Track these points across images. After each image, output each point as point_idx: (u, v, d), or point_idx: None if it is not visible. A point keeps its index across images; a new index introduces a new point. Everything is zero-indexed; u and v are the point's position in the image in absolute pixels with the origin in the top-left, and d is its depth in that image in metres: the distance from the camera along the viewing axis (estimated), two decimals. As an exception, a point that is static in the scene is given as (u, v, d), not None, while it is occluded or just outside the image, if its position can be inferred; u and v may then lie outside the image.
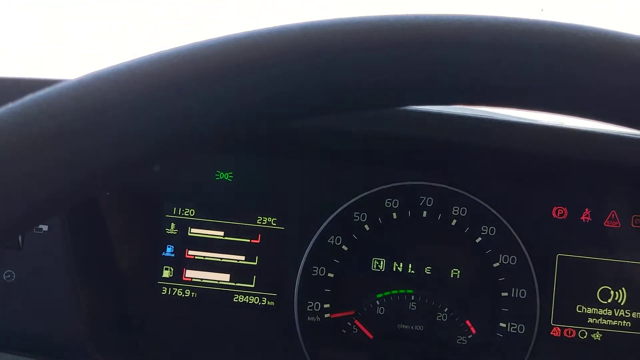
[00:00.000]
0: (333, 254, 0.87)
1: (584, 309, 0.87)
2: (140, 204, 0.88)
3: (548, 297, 0.87)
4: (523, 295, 0.87)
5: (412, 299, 0.87)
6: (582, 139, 0.78)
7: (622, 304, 0.87)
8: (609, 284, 0.87)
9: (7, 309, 0.75)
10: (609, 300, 0.88)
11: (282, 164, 0.89)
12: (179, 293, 0.87)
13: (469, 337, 0.87)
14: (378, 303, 0.87)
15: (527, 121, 0.78)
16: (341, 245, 0.87)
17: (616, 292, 0.88)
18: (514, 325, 0.86)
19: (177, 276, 0.87)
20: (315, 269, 0.87)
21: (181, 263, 0.87)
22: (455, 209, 0.87)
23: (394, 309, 0.87)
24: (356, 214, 0.87)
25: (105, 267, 0.84)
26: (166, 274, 0.87)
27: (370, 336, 0.87)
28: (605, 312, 0.87)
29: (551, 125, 0.78)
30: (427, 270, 0.88)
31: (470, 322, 0.87)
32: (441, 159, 0.86)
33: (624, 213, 0.88)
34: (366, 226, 0.87)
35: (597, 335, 0.87)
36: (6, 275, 0.75)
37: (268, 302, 0.87)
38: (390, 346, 0.87)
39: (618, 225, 0.88)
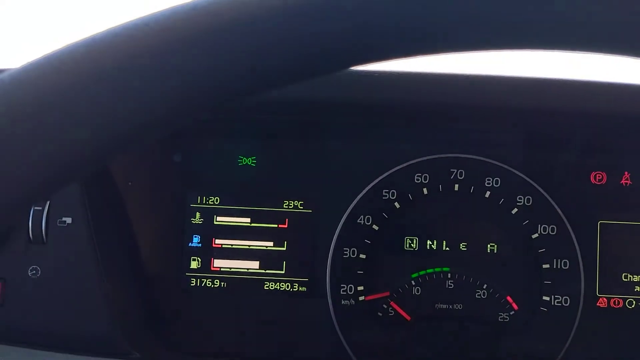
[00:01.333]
0: (364, 235, 0.84)
1: (630, 277, 0.83)
2: (164, 194, 0.86)
3: (592, 266, 0.83)
4: (565, 266, 0.83)
5: (449, 277, 0.84)
6: (616, 93, 0.74)
7: (670, 270, 0.83)
8: (656, 250, 0.83)
9: (35, 305, 0.73)
10: (657, 267, 0.83)
11: (305, 145, 0.86)
12: (208, 283, 0.84)
13: (511, 313, 0.83)
14: (413, 283, 0.84)
15: (557, 78, 0.74)
16: (371, 224, 0.84)
17: (664, 258, 0.83)
18: (558, 298, 0.83)
19: (205, 266, 0.85)
20: (347, 250, 0.84)
21: (209, 253, 0.85)
22: (488, 180, 0.84)
23: (430, 288, 0.84)
24: (385, 192, 0.84)
25: (132, 259, 0.82)
26: (194, 264, 0.85)
27: (408, 317, 0.84)
28: (653, 279, 0.83)
29: (584, 81, 0.74)
30: (463, 246, 0.84)
31: (511, 297, 0.83)
32: (470, 128, 0.83)
33: (667, 174, 0.84)
34: (396, 204, 0.84)
35: (647, 304, 0.83)
36: (32, 271, 0.73)
37: (300, 288, 0.84)
38: (429, 327, 0.84)
39: (661, 186, 0.84)
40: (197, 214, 0.85)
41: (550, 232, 0.83)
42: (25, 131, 0.30)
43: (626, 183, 0.84)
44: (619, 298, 0.83)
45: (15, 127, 0.30)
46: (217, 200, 0.85)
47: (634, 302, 0.83)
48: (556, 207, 0.83)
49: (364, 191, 0.84)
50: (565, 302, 0.83)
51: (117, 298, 0.76)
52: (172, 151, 0.85)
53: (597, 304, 0.83)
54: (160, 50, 0.32)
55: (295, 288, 0.84)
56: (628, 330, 0.83)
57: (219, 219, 0.85)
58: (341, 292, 0.83)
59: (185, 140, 0.86)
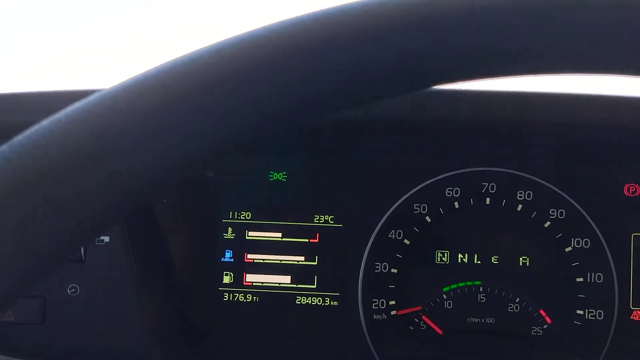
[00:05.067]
0: (395, 249, 0.84)
1: (665, 290, 0.82)
2: (197, 210, 0.87)
3: (626, 279, 0.82)
4: (599, 280, 0.82)
5: (481, 290, 0.84)
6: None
7: None
8: (691, 262, 0.82)
9: (74, 323, 0.75)
10: (693, 279, 0.82)
11: (335, 159, 0.87)
12: (241, 298, 0.85)
13: (545, 327, 0.83)
14: (445, 297, 0.84)
15: (589, 93, 0.74)
16: (403, 239, 0.84)
17: (699, 270, 0.82)
18: (592, 312, 0.82)
19: (238, 281, 0.85)
20: (378, 265, 0.84)
21: (241, 267, 0.86)
22: (520, 193, 0.84)
23: (462, 302, 0.84)
24: (416, 206, 0.84)
25: (167, 275, 0.83)
26: (226, 279, 0.86)
27: (440, 332, 0.84)
28: (689, 292, 0.82)
29: (616, 96, 0.73)
30: (495, 259, 0.84)
31: (544, 311, 0.83)
32: (501, 142, 0.83)
33: (702, 185, 0.83)
34: (427, 218, 0.84)
35: (682, 318, 0.82)
36: (71, 289, 0.75)
37: (331, 302, 0.85)
38: (461, 341, 0.84)
39: (696, 199, 0.83)
40: (229, 229, 0.86)
41: (583, 246, 0.82)
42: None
43: (660, 195, 0.83)
44: (654, 311, 0.82)
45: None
46: (248, 216, 0.86)
47: (669, 315, 0.82)
48: (589, 220, 0.82)
49: (395, 205, 0.85)
50: (599, 316, 0.82)
51: (154, 313, 0.77)
52: (205, 168, 0.86)
53: (632, 317, 0.82)
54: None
55: (327, 302, 0.85)
56: (663, 344, 0.82)
57: (250, 233, 0.86)
58: (373, 307, 0.84)
59: (217, 156, 0.87)
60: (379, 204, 0.85)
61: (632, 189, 0.83)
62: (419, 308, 0.84)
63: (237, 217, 0.86)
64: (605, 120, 0.76)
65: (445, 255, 0.85)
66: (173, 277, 0.84)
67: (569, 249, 0.83)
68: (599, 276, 0.82)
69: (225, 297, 0.85)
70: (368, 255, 0.84)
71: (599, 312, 0.82)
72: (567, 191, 0.83)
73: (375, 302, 0.84)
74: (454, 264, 0.84)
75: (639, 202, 0.83)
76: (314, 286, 0.85)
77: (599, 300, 0.82)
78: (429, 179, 0.85)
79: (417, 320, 0.84)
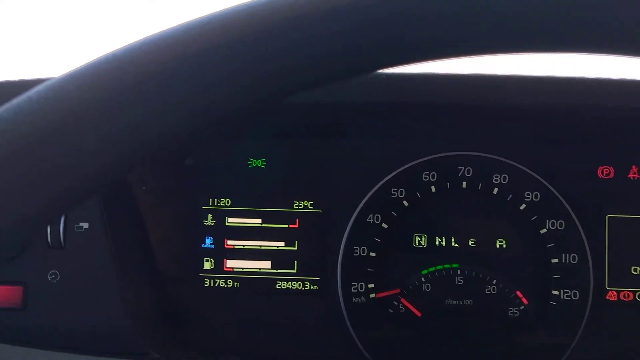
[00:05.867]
0: (373, 233, 0.85)
1: (639, 270, 0.84)
2: (177, 197, 0.88)
3: (600, 260, 0.84)
4: (574, 261, 0.83)
5: (458, 273, 0.85)
6: (622, 89, 0.74)
7: (680, 262, 0.84)
8: (665, 242, 0.84)
9: (55, 309, 0.75)
10: (666, 259, 0.84)
11: (314, 145, 0.87)
12: (222, 284, 0.86)
13: (521, 308, 0.84)
14: (423, 280, 0.85)
15: (564, 76, 0.75)
16: (381, 223, 0.85)
17: (673, 251, 0.84)
18: (567, 293, 0.83)
19: (218, 267, 0.86)
20: (357, 249, 0.85)
21: (221, 254, 0.87)
22: (496, 177, 0.85)
23: (440, 284, 0.85)
24: (394, 190, 0.86)
25: (148, 262, 0.84)
26: (207, 265, 0.87)
27: (418, 314, 0.85)
28: (663, 271, 0.84)
29: (589, 78, 0.74)
30: (472, 242, 0.85)
31: (521, 292, 0.84)
32: (477, 126, 0.84)
33: (675, 167, 0.84)
34: (405, 202, 0.85)
35: (657, 297, 0.84)
36: (51, 275, 0.75)
37: (311, 287, 0.86)
38: (440, 323, 0.85)
39: (669, 180, 0.84)
40: (209, 216, 0.87)
41: (558, 227, 0.84)
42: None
43: (634, 177, 0.84)
44: (629, 291, 0.84)
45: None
46: (228, 202, 0.87)
47: (643, 294, 0.84)
48: (564, 202, 0.84)
49: (373, 190, 0.86)
50: (575, 296, 0.83)
51: (134, 300, 0.77)
52: (184, 155, 0.87)
53: (607, 297, 0.84)
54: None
55: (306, 287, 0.86)
56: (638, 323, 0.84)
57: (230, 220, 0.87)
58: (352, 290, 0.85)
59: (197, 144, 0.87)
60: (357, 189, 0.86)
61: (606, 171, 0.85)
62: (398, 291, 0.85)
63: (217, 203, 0.87)
64: (580, 102, 0.77)
65: (423, 238, 0.86)
66: (154, 264, 0.85)
67: (544, 231, 0.84)
68: (573, 257, 0.83)
69: (206, 283, 0.86)
70: (347, 239, 0.85)
71: (574, 293, 0.83)
72: (542, 174, 0.84)
73: (355, 285, 0.85)
74: (431, 247, 0.86)
75: (613, 184, 0.84)
76: (294, 271, 0.86)
77: (574, 281, 0.83)
78: (406, 164, 0.86)
79: (396, 303, 0.85)
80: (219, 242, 0.87)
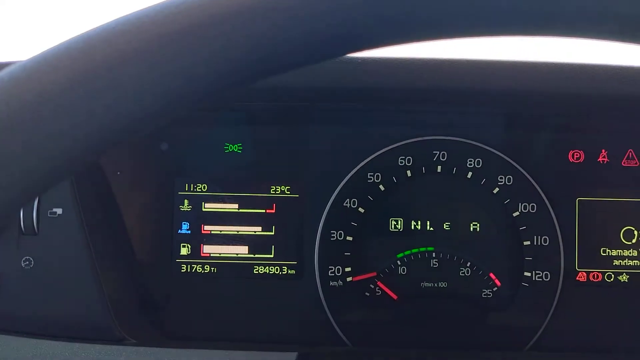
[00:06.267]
0: (350, 217, 0.86)
1: (608, 252, 0.86)
2: (152, 183, 0.87)
3: (571, 242, 0.86)
4: (546, 243, 0.85)
5: (434, 256, 0.86)
6: (593, 74, 0.76)
7: (647, 243, 0.86)
8: (632, 224, 0.86)
9: (29, 295, 0.74)
10: (634, 241, 0.86)
11: (290, 131, 0.88)
12: (199, 269, 0.86)
13: (494, 289, 0.86)
14: (399, 263, 0.86)
15: (536, 61, 0.76)
16: (357, 207, 0.86)
17: (640, 232, 0.86)
18: (539, 274, 0.85)
19: (195, 252, 0.86)
20: (334, 233, 0.86)
21: (198, 239, 0.86)
22: (470, 161, 0.86)
23: (415, 267, 0.86)
24: (370, 175, 0.86)
25: (123, 247, 0.83)
26: (184, 251, 0.86)
27: (394, 296, 0.86)
28: (630, 252, 0.86)
29: (560, 63, 0.76)
30: (446, 226, 0.87)
31: (494, 274, 0.86)
32: (451, 110, 0.85)
33: (642, 151, 0.86)
34: (381, 186, 0.86)
35: (624, 277, 0.86)
36: (25, 262, 0.74)
37: (289, 271, 0.86)
38: (415, 305, 0.86)
39: (637, 163, 0.86)
40: (186, 202, 0.87)
41: (530, 210, 0.85)
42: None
43: (603, 161, 0.86)
44: (598, 272, 0.86)
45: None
46: (204, 188, 0.87)
47: (612, 275, 0.86)
48: (536, 185, 0.85)
49: (349, 175, 0.86)
50: (546, 277, 0.85)
51: (110, 285, 0.77)
52: (159, 140, 0.86)
53: (577, 279, 0.86)
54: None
55: (284, 271, 0.86)
56: (607, 303, 0.86)
57: (207, 205, 0.87)
58: (329, 274, 0.86)
59: (172, 129, 0.87)
60: (334, 174, 0.87)
61: (577, 155, 0.87)
62: (374, 274, 0.86)
63: (193, 189, 0.87)
64: (551, 87, 0.78)
65: (399, 222, 0.87)
66: (129, 250, 0.84)
67: (516, 214, 0.86)
68: (545, 239, 0.85)
69: (183, 269, 0.86)
70: (324, 224, 0.86)
71: (546, 274, 0.85)
72: (515, 158, 0.86)
73: (332, 269, 0.86)
74: (407, 231, 0.87)
75: (583, 168, 0.86)
76: (272, 256, 0.86)
77: (546, 263, 0.85)
78: (382, 149, 0.86)
79: (372, 286, 0.86)
80: (195, 227, 0.86)
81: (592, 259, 0.86)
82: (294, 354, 0.68)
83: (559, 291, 0.85)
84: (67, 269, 0.75)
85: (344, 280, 0.86)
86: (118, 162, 0.83)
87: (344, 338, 0.85)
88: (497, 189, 0.86)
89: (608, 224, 0.86)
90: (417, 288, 0.86)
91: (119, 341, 0.73)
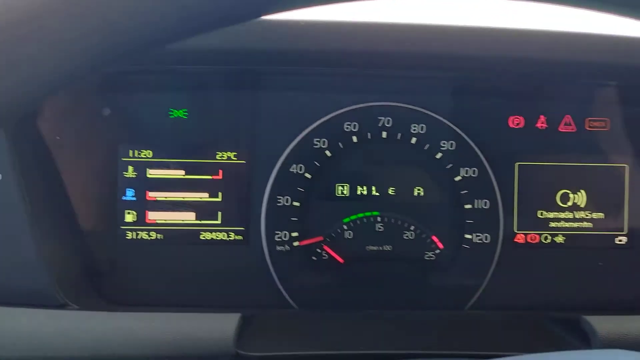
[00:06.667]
0: (296, 183, 0.87)
1: (545, 214, 0.90)
2: (95, 149, 0.85)
3: (510, 205, 0.89)
4: (486, 206, 0.88)
5: (379, 220, 0.88)
6: (532, 40, 0.78)
7: (582, 206, 0.90)
8: (568, 188, 0.90)
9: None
10: (569, 204, 0.90)
11: (236, 96, 0.87)
12: (144, 236, 0.86)
13: (437, 252, 0.89)
14: (345, 227, 0.88)
15: (477, 25, 0.77)
16: (304, 173, 0.87)
17: (575, 195, 0.90)
18: (479, 236, 0.88)
19: (141, 219, 0.86)
20: (280, 199, 0.86)
21: (143, 206, 0.86)
22: (414, 127, 0.87)
23: (361, 231, 0.88)
24: (316, 141, 0.87)
25: (66, 214, 0.82)
26: (129, 218, 0.86)
27: (341, 260, 0.88)
28: (566, 215, 0.90)
29: (501, 28, 0.77)
30: (391, 191, 0.88)
31: (436, 237, 0.89)
32: (395, 76, 0.86)
33: (578, 117, 0.89)
34: (327, 152, 0.87)
35: (560, 239, 0.90)
36: (-37, 228, 0.72)
37: (236, 237, 0.87)
38: (361, 268, 0.88)
39: (573, 129, 0.89)
40: (130, 168, 0.85)
41: (471, 175, 0.88)
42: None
43: (542, 126, 0.89)
44: (536, 234, 0.90)
45: None
46: (149, 154, 0.86)
47: (549, 237, 0.90)
48: (477, 150, 0.88)
49: (296, 141, 0.87)
50: (486, 239, 0.88)
51: (52, 252, 0.76)
52: (101, 105, 0.84)
53: (515, 240, 0.89)
54: None
55: (231, 237, 0.87)
56: (543, 263, 0.90)
57: (151, 172, 0.86)
58: (276, 239, 0.86)
59: (114, 94, 0.85)
60: (280, 140, 0.87)
61: (517, 120, 0.89)
62: (321, 239, 0.88)
63: (138, 155, 0.86)
64: (493, 53, 0.80)
65: (345, 188, 0.88)
66: (72, 217, 0.83)
67: (458, 178, 0.88)
68: (485, 202, 0.88)
69: (128, 236, 0.85)
70: (271, 189, 0.86)
71: (486, 236, 0.88)
72: (457, 124, 0.88)
73: (278, 234, 0.87)
74: (353, 196, 0.88)
75: (523, 133, 0.89)
76: (218, 222, 0.87)
77: (486, 225, 0.88)
78: (328, 115, 0.87)
79: (319, 251, 0.88)
80: (140, 194, 0.86)
81: (530, 222, 0.90)
82: (237, 315, 0.68)
83: (497, 252, 0.89)
84: (8, 235, 0.73)
85: (291, 245, 0.87)
86: (58, 127, 0.81)
87: (291, 301, 0.87)
88: (440, 154, 0.88)
89: (545, 187, 0.90)
90: (363, 251, 0.88)
91: (61, 307, 0.72)
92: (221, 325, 0.65)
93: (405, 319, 0.82)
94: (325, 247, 0.88)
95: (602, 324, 0.69)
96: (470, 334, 0.77)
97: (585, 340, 0.70)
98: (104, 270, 0.85)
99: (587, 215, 0.90)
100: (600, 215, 0.90)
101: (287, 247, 0.87)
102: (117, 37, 0.36)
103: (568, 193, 0.90)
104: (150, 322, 0.64)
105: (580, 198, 0.90)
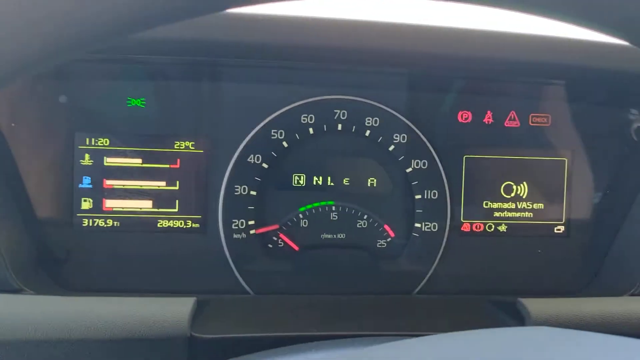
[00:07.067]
0: (254, 172, 0.89)
1: (490, 205, 0.95)
2: (51, 136, 0.85)
3: (457, 196, 0.93)
4: (435, 196, 0.92)
5: (333, 209, 0.91)
6: (482, 40, 0.82)
7: (523, 197, 0.95)
8: (512, 180, 0.95)
9: None
10: (512, 195, 0.95)
11: (195, 86, 0.88)
12: (101, 223, 0.86)
13: (388, 240, 0.93)
14: (301, 216, 0.91)
15: (431, 25, 0.80)
16: (261, 163, 0.89)
17: (518, 187, 0.95)
18: (428, 225, 0.93)
19: (97, 207, 0.86)
20: (238, 188, 0.88)
21: (100, 194, 0.86)
22: (368, 120, 0.91)
23: (316, 220, 0.91)
24: (274, 132, 0.89)
25: (21, 201, 0.82)
26: (85, 205, 0.86)
27: (296, 248, 0.91)
28: (509, 205, 0.95)
29: (455, 28, 0.81)
30: (346, 181, 0.91)
31: (388, 226, 0.93)
32: (351, 70, 0.88)
33: (523, 113, 0.94)
34: (284, 143, 0.89)
35: (503, 227, 0.95)
36: None
37: (193, 225, 0.88)
38: (315, 255, 0.91)
39: (517, 124, 0.94)
40: (87, 156, 0.86)
41: (422, 167, 0.92)
42: None
43: (488, 121, 0.94)
44: (481, 223, 0.95)
45: None
46: (106, 142, 0.86)
47: (493, 226, 0.95)
48: (427, 143, 0.92)
49: (254, 131, 0.88)
50: (434, 228, 0.93)
51: (8, 238, 0.76)
52: (58, 93, 0.84)
53: (462, 229, 0.94)
54: None
55: (188, 225, 0.88)
56: (487, 250, 0.95)
57: (109, 160, 0.86)
58: (233, 227, 0.88)
59: (71, 82, 0.85)
60: (238, 130, 0.88)
61: (465, 115, 0.93)
62: (277, 227, 0.90)
63: (95, 143, 0.86)
64: (444, 51, 0.83)
65: (302, 178, 0.91)
66: (28, 204, 0.83)
67: (409, 170, 0.92)
68: (434, 193, 0.92)
69: (85, 223, 0.86)
70: (228, 179, 0.88)
71: (434, 225, 0.93)
72: (409, 117, 0.91)
73: (235, 222, 0.89)
74: (309, 186, 0.91)
75: (471, 128, 0.93)
76: (176, 210, 0.88)
77: (434, 215, 0.93)
78: (285, 107, 0.89)
79: (275, 238, 0.90)
80: (97, 182, 0.86)
81: (476, 211, 0.94)
82: (192, 299, 0.70)
83: (444, 240, 0.93)
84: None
85: (247, 233, 0.89)
86: (14, 114, 0.81)
87: (247, 287, 0.89)
88: (392, 147, 0.91)
89: (491, 179, 0.95)
90: (317, 239, 0.91)
91: (16, 292, 0.73)
92: (176, 309, 0.67)
93: (355, 303, 0.85)
94: (281, 235, 0.90)
95: (535, 305, 0.74)
96: (415, 317, 0.81)
97: (521, 321, 0.76)
98: (60, 257, 0.85)
99: (528, 206, 0.96)
100: (541, 205, 0.96)
101: (244, 235, 0.89)
102: (71, 27, 0.36)
103: (511, 185, 0.95)
104: (105, 306, 0.65)
105: (523, 189, 0.95)
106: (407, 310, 0.85)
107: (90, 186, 0.86)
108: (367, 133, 0.91)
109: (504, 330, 0.47)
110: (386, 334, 0.71)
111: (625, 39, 0.41)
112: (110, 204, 0.86)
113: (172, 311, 0.66)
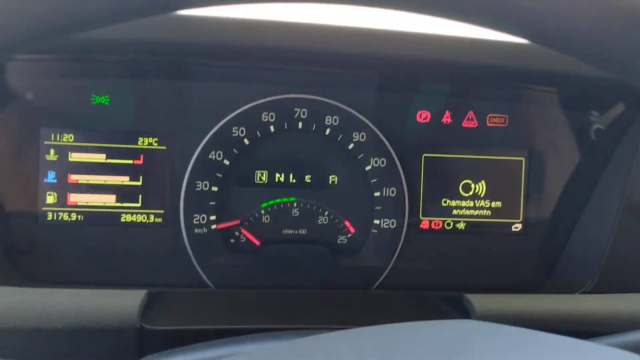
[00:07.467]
0: (215, 169, 0.91)
1: (448, 202, 0.97)
2: (17, 132, 0.87)
3: (416, 194, 0.96)
4: (393, 194, 0.95)
5: (295, 205, 0.94)
6: (440, 44, 0.84)
7: (481, 195, 0.98)
8: (470, 178, 0.97)
9: None
10: (470, 193, 0.97)
11: (158, 84, 0.90)
12: (65, 217, 0.88)
13: (348, 236, 0.95)
14: (263, 212, 0.93)
15: (390, 29, 0.83)
16: (223, 159, 0.91)
17: (476, 185, 0.97)
18: (387, 221, 0.95)
19: (62, 201, 0.88)
20: (199, 183, 0.91)
21: (64, 188, 0.88)
22: (328, 118, 0.93)
23: (278, 216, 0.93)
24: (235, 129, 0.91)
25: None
26: (50, 199, 0.88)
27: (257, 243, 0.93)
28: (467, 203, 0.97)
29: (412, 32, 0.83)
30: (307, 178, 0.94)
31: (349, 222, 0.95)
32: (312, 71, 0.90)
33: (480, 113, 0.97)
34: (246, 140, 0.91)
35: (462, 225, 0.97)
36: None
37: (155, 219, 0.90)
38: (277, 250, 0.93)
39: (475, 124, 0.97)
40: (52, 151, 0.88)
41: (381, 165, 0.94)
42: None
43: (447, 121, 0.96)
44: (439, 220, 0.97)
45: None
46: (71, 138, 0.88)
47: (451, 223, 0.97)
48: (386, 142, 0.94)
49: (215, 128, 0.90)
50: (393, 225, 0.95)
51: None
52: (24, 89, 0.86)
53: (420, 226, 0.96)
54: None
55: (151, 219, 0.90)
56: (445, 247, 0.97)
57: (73, 155, 0.88)
58: (194, 222, 0.91)
59: (37, 79, 0.87)
60: (200, 127, 0.90)
61: (424, 115, 0.95)
62: (239, 222, 0.92)
63: (60, 139, 0.88)
64: (403, 53, 0.86)
65: (264, 174, 0.93)
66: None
67: (368, 167, 0.94)
68: (392, 191, 0.94)
69: (49, 217, 0.88)
70: (190, 174, 0.90)
71: (392, 222, 0.95)
72: (368, 117, 0.93)
73: (197, 217, 0.91)
74: (271, 182, 0.93)
75: (429, 127, 0.96)
76: (139, 205, 0.90)
77: (393, 212, 0.95)
78: (246, 105, 0.91)
79: (237, 234, 0.93)
80: (62, 176, 0.88)
81: (434, 209, 0.97)
82: (143, 292, 0.73)
83: (403, 237, 0.95)
84: None
85: (209, 228, 0.91)
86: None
87: (208, 281, 0.92)
88: (352, 145, 0.93)
89: (449, 178, 0.97)
90: (279, 235, 0.93)
91: (-22, 285, 0.75)
92: (127, 301, 0.69)
93: (315, 297, 0.88)
94: (243, 230, 0.93)
95: (481, 301, 0.76)
96: (369, 311, 0.83)
97: (467, 316, 0.78)
98: (24, 249, 0.87)
99: (486, 204, 0.98)
100: (499, 204, 0.98)
101: (205, 230, 0.91)
102: (27, 21, 0.38)
103: (470, 183, 0.97)
104: (59, 297, 0.67)
105: (481, 188, 0.98)
106: (363, 304, 0.88)
107: (55, 181, 0.88)
108: (327, 131, 0.93)
109: (423, 323, 0.49)
110: (337, 327, 0.73)
111: (528, 38, 0.44)
112: (74, 198, 0.89)
113: (122, 303, 0.68)
